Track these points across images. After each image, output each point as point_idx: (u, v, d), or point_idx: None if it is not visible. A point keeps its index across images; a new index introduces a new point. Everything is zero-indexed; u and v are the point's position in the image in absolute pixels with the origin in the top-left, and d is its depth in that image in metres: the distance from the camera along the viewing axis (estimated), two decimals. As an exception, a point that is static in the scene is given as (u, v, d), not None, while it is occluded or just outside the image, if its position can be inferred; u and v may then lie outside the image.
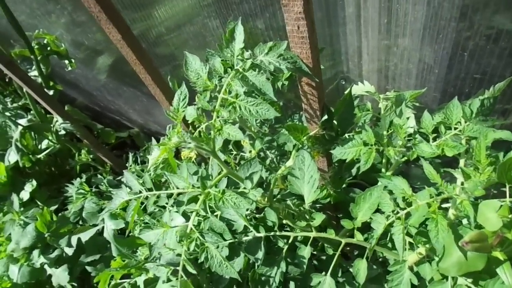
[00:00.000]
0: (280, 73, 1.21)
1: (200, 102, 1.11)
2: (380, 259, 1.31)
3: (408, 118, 0.99)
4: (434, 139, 0.87)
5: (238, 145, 1.49)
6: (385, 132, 0.97)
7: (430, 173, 0.72)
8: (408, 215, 0.78)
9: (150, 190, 1.10)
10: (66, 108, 2.18)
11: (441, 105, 1.04)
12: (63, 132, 2.04)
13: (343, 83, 1.30)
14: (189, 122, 0.89)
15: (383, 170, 1.04)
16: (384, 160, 1.04)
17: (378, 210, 0.85)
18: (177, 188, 0.95)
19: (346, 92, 1.03)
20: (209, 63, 0.88)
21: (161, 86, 1.20)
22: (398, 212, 0.74)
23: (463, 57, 0.98)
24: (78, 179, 1.91)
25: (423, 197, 0.73)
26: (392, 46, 1.09)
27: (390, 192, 0.87)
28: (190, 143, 0.84)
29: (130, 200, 1.09)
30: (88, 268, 1.20)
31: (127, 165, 2.08)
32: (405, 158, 0.93)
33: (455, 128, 0.84)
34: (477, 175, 0.68)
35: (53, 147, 2.03)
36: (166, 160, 0.97)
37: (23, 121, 1.96)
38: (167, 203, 1.07)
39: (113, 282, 1.21)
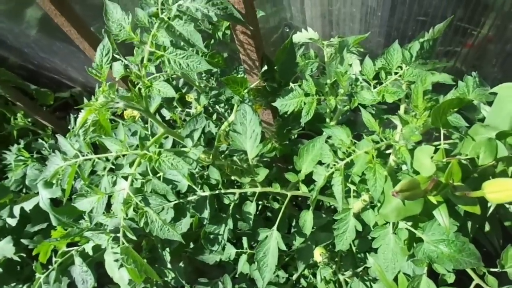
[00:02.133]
0: (219, 22, 1.13)
1: (133, 57, 1.03)
2: (332, 207, 1.33)
3: (351, 65, 0.96)
4: (376, 86, 0.85)
5: (183, 101, 1.42)
6: (329, 81, 0.94)
7: (368, 121, 0.71)
8: (351, 164, 0.77)
9: (89, 154, 1.04)
10: (-10, 68, 1.99)
11: (384, 50, 1.01)
12: (-9, 95, 1.87)
13: (287, 30, 1.24)
14: (116, 79, 0.81)
15: (327, 120, 1.02)
16: (328, 110, 1.02)
17: (321, 161, 0.84)
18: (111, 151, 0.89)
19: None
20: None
21: (89, 39, 1.09)
22: (338, 163, 0.73)
23: (405, -2, 0.95)
24: (15, 145, 1.78)
25: (362, 146, 0.71)
26: (334, -12, 1.03)
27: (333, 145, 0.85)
28: (118, 102, 0.77)
29: (65, 166, 1.02)
30: (24, 241, 1.14)
31: (69, 127, 1.96)
32: (348, 106, 0.91)
33: (396, 73, 0.82)
34: (414, 121, 0.66)
35: (-18, 112, 1.87)
36: (98, 121, 0.89)
37: None
38: (105, 168, 1.01)
39: (59, 251, 1.16)
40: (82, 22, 1.07)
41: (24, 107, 1.84)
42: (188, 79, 1.22)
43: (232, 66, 1.33)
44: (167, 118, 1.39)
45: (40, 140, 1.94)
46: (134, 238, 0.79)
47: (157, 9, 0.74)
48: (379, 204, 0.82)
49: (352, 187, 0.88)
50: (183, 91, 1.41)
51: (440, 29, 0.83)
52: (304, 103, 0.85)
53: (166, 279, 1.29)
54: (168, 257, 1.25)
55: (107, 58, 0.76)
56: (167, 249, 1.26)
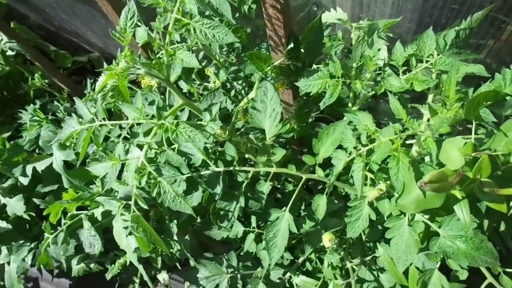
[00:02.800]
0: (246, -6, 1.10)
1: (157, 23, 1.00)
2: (343, 194, 1.32)
3: (379, 50, 0.93)
4: (404, 73, 0.82)
5: (202, 74, 1.40)
6: (354, 64, 0.91)
7: (396, 108, 0.68)
8: (370, 152, 0.75)
9: (104, 119, 1.03)
10: (12, 25, 1.97)
11: (415, 36, 0.97)
12: (11, 52, 1.85)
13: (315, 9, 1.20)
14: (139, 45, 0.79)
15: (349, 104, 0.99)
16: (351, 94, 0.99)
17: (341, 146, 0.82)
18: (128, 118, 0.88)
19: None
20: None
21: (113, 3, 1.07)
22: (360, 149, 0.71)
23: (443, -17, 0.91)
24: (32, 105, 1.79)
25: (386, 134, 0.69)
26: (369, -32, 0.99)
27: (355, 128, 0.83)
28: (139, 69, 0.75)
29: (81, 130, 1.01)
30: (36, 201, 1.15)
31: (85, 92, 1.95)
32: (373, 92, 0.88)
33: (427, 61, 0.79)
34: (444, 111, 0.64)
35: (1, 69, 1.86)
36: (117, 87, 0.88)
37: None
38: (120, 135, 1.00)
39: (69, 214, 1.17)
40: (107, -16, 1.05)
41: (42, 68, 1.82)
42: (209, 52, 1.19)
43: (254, 42, 1.30)
44: (184, 91, 1.37)
45: (55, 102, 1.94)
46: (145, 207, 0.78)
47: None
48: (396, 195, 0.80)
49: (369, 175, 0.86)
50: (202, 64, 1.39)
51: (478, 18, 0.79)
52: (329, 85, 0.82)
53: (171, 250, 1.30)
54: (175, 229, 1.26)
55: (131, 22, 0.74)
56: (175, 221, 1.27)
